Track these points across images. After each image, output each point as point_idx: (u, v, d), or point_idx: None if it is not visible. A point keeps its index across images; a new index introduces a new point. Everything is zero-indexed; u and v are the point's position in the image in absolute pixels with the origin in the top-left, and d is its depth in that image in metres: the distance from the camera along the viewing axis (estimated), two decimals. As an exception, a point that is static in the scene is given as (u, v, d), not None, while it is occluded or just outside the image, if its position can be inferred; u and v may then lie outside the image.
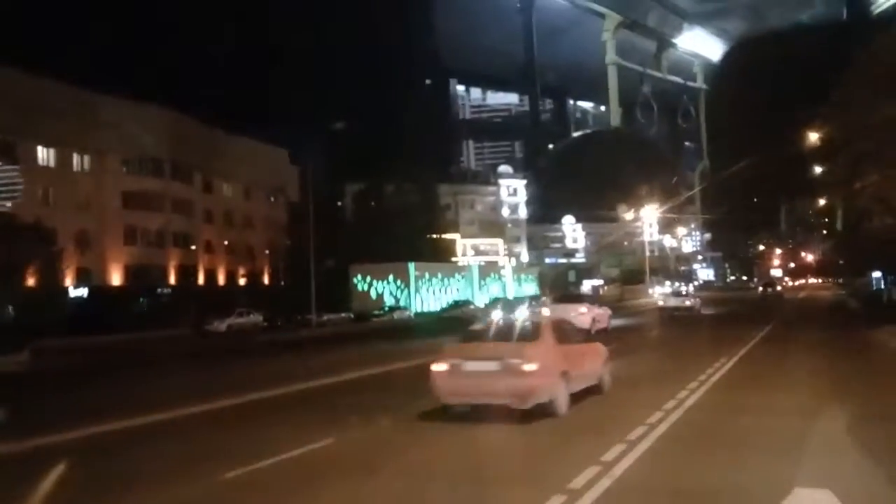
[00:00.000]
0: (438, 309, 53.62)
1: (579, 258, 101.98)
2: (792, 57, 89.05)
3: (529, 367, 10.09)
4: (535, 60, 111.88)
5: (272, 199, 68.25)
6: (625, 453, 7.92)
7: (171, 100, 56.04)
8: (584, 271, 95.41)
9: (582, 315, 25.80)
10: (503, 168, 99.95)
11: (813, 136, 52.79)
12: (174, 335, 40.75)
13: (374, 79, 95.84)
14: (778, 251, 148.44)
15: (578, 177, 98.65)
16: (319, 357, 24.07)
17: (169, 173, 55.19)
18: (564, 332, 11.84)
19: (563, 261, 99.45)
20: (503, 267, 73.19)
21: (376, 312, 50.52)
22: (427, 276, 57.08)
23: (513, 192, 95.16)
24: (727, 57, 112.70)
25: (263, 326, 45.73)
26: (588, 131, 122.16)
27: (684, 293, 50.09)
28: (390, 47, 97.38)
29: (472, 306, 53.50)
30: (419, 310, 54.72)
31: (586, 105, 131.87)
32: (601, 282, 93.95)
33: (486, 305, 56.56)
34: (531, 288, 73.31)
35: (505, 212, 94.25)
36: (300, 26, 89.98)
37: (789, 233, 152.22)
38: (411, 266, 55.36)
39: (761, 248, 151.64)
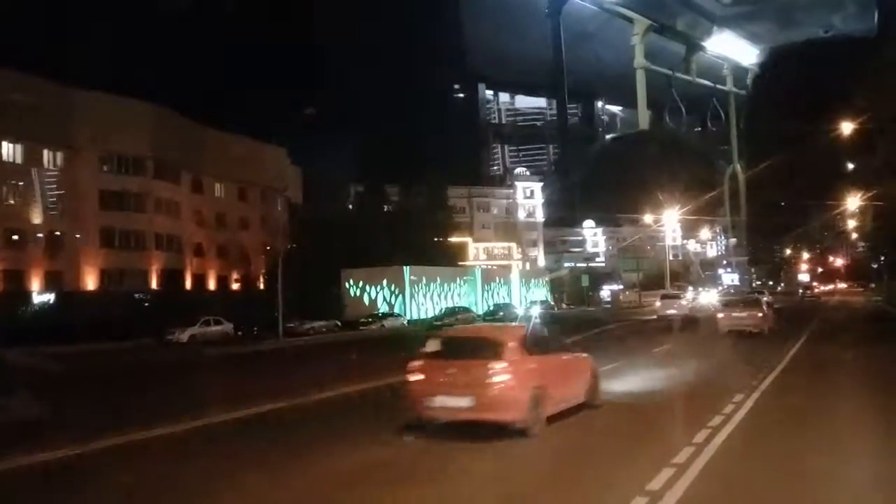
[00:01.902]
0: (431, 316, 47.48)
1: (599, 262, 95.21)
2: (823, 60, 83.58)
3: (760, 314, 26.48)
4: (563, 65, 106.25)
5: (276, 199, 62.89)
6: (796, 346, 20.76)
7: (180, 100, 51.22)
8: (603, 276, 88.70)
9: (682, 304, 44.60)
10: (519, 170, 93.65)
11: (847, 127, 45.83)
12: (134, 346, 35.34)
13: (402, 84, 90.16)
14: (806, 256, 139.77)
15: (605, 180, 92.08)
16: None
17: (152, 172, 49.71)
18: (767, 303, 29.63)
19: (582, 265, 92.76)
20: (510, 271, 66.39)
21: (364, 320, 44.50)
22: (424, 280, 50.88)
23: (529, 195, 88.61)
24: (758, 60, 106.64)
25: (237, 336, 40.07)
26: (617, 135, 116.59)
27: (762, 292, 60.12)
28: (419, 53, 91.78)
29: (470, 314, 47.39)
30: (415, 316, 48.65)
31: (614, 108, 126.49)
32: (620, 287, 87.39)
33: (485, 313, 50.49)
34: (541, 293, 66.61)
35: (521, 214, 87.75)
36: (326, 33, 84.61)
37: (817, 237, 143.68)
38: (406, 270, 49.24)
39: (788, 252, 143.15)
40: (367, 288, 49.36)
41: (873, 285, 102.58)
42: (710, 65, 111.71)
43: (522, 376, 9.70)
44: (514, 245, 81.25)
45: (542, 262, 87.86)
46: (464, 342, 11.15)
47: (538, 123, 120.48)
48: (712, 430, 9.45)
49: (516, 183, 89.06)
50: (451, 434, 9.47)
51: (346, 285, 49.68)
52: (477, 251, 78.04)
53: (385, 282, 49.12)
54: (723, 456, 8.27)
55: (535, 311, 50.93)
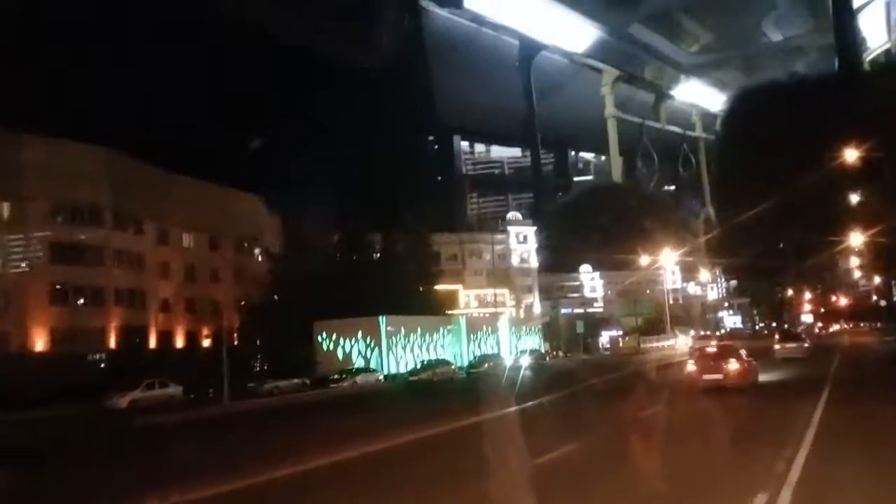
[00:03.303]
0: (406, 371, 42.46)
1: (597, 307, 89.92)
2: (791, 103, 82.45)
3: (807, 345, 39.42)
4: (535, 115, 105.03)
5: (252, 250, 58.57)
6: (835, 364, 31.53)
7: (149, 149, 47.19)
8: (601, 322, 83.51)
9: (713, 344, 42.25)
10: (512, 215, 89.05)
11: (852, 155, 41.45)
12: (64, 415, 30.41)
13: (378, 136, 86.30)
14: (808, 296, 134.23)
15: (584, 227, 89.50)
16: None
17: (111, 222, 45.37)
18: (805, 337, 45.78)
19: (580, 310, 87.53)
20: (498, 319, 61.07)
21: (335, 377, 39.48)
22: (403, 331, 45.89)
23: (522, 240, 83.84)
24: (726, 105, 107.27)
25: (188, 399, 35.17)
26: (588, 178, 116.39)
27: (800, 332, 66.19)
28: (394, 106, 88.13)
29: (449, 367, 42.37)
30: (393, 371, 43.64)
31: (587, 156, 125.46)
32: (620, 332, 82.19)
33: (468, 365, 45.44)
34: (533, 341, 61.39)
35: (515, 260, 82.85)
36: (300, 85, 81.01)
37: (818, 277, 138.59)
38: (382, 320, 44.30)
39: (790, 293, 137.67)
40: (341, 341, 44.42)
41: (879, 325, 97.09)
42: (679, 112, 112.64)
43: (743, 366, 22.31)
44: (507, 291, 76.28)
45: (537, 308, 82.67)
46: (712, 350, 25.07)
47: (496, 171, 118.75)
48: (823, 386, 21.47)
49: (509, 228, 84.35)
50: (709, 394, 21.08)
51: (319, 339, 44.69)
52: (468, 298, 73.16)
53: (360, 334, 44.24)
54: (834, 393, 20.06)
55: (525, 360, 45.98)
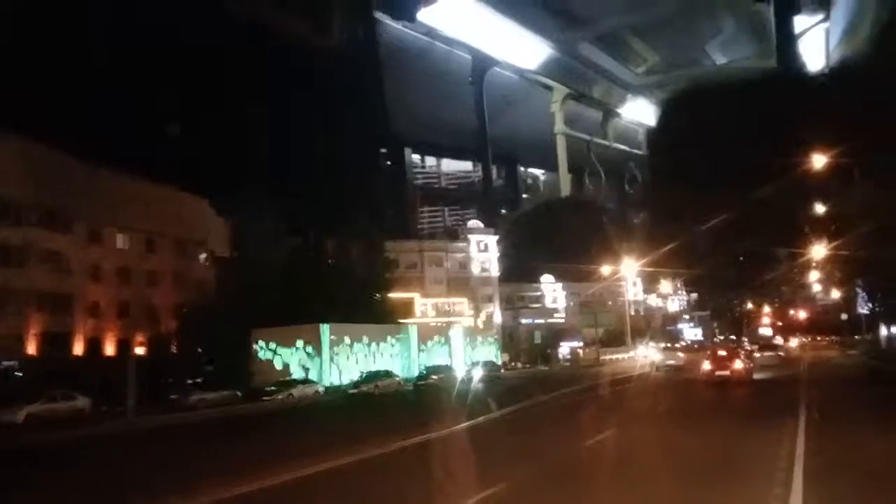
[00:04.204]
0: (349, 383, 38.81)
1: (558, 318, 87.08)
2: (733, 117, 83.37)
3: (781, 353, 51.90)
4: (486, 130, 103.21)
5: (196, 253, 54.48)
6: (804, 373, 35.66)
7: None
8: (561, 332, 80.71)
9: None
10: (473, 223, 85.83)
11: (820, 161, 38.83)
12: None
13: (330, 145, 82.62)
14: (767, 309, 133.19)
15: (540, 239, 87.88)
16: None
17: (34, 220, 41.12)
18: (781, 346, 63.91)
19: (541, 321, 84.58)
20: (451, 328, 57.48)
21: (269, 389, 35.65)
22: (348, 340, 42.13)
23: (483, 248, 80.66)
24: (668, 122, 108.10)
25: (101, 411, 31.14)
26: (526, 197, 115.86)
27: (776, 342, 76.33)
28: (346, 116, 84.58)
29: (393, 379, 38.79)
30: (335, 382, 39.90)
31: (537, 171, 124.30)
32: (580, 343, 79.41)
33: (417, 377, 41.84)
34: (489, 352, 57.92)
35: (475, 269, 79.57)
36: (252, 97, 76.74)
37: (776, 291, 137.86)
38: (324, 328, 40.54)
39: (749, 306, 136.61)
40: (280, 350, 40.55)
41: (836, 338, 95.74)
42: (627, 130, 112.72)
43: (745, 366, 31.48)
44: (465, 300, 72.96)
45: (498, 317, 79.44)
46: (723, 353, 34.15)
47: (435, 185, 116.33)
48: (800, 378, 31.50)
49: (469, 236, 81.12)
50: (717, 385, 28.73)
51: (256, 347, 40.79)
52: (426, 307, 69.68)
53: (300, 343, 40.39)
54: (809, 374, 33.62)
55: (478, 373, 42.52)
